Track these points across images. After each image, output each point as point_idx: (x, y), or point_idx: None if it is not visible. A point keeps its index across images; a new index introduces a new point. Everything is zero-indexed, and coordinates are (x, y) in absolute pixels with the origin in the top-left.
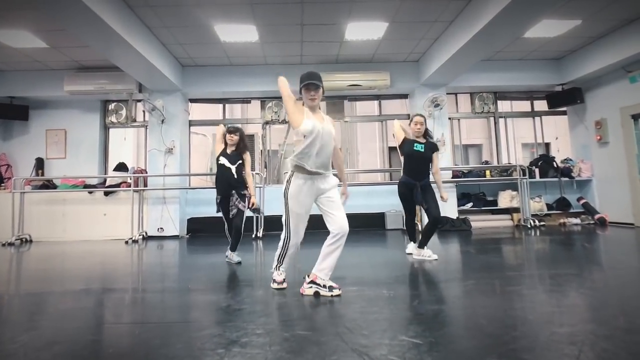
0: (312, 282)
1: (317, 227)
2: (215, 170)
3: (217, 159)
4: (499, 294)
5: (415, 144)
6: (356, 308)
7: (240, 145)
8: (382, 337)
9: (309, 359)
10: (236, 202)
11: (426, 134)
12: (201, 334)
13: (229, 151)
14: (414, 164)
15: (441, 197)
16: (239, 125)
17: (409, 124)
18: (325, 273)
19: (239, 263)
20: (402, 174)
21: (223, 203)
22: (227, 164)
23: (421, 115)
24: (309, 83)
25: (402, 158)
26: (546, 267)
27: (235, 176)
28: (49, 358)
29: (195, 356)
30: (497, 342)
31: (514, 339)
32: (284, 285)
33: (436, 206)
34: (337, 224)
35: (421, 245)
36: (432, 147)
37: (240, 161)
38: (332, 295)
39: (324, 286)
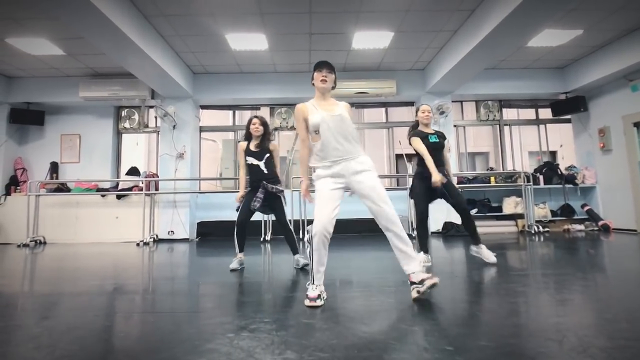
0: (411, 282)
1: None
2: (225, 175)
3: (245, 160)
4: (496, 291)
5: (430, 136)
6: (359, 302)
7: (265, 137)
8: (382, 325)
9: (312, 342)
10: (266, 187)
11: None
12: (212, 322)
13: (253, 147)
14: (431, 155)
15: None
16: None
17: (416, 114)
18: (409, 267)
19: (305, 266)
20: (416, 167)
21: (249, 194)
22: (255, 161)
23: (426, 104)
24: (321, 62)
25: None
26: (546, 270)
27: (266, 171)
28: (71, 339)
29: (207, 339)
30: (489, 329)
31: (504, 326)
32: (318, 302)
33: (459, 195)
34: (382, 217)
35: (477, 242)
36: (442, 135)
37: (267, 155)
38: (425, 290)
39: (417, 282)
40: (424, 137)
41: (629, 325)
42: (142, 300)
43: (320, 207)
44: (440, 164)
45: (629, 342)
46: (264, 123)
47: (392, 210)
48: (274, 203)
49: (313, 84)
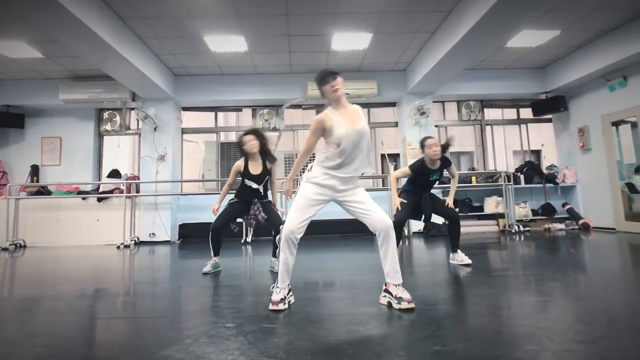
0: (386, 290)
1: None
2: (207, 177)
3: (243, 181)
4: (465, 293)
5: (432, 174)
6: (325, 305)
7: (266, 153)
8: (342, 329)
9: (268, 347)
10: (257, 212)
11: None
12: (175, 327)
13: (252, 169)
14: (422, 183)
15: (447, 202)
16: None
17: (422, 150)
18: (392, 276)
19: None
20: (405, 183)
21: (236, 205)
22: (255, 185)
23: (430, 137)
24: (327, 74)
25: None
26: (521, 271)
27: (262, 193)
28: (27, 348)
29: (165, 345)
30: (447, 333)
31: (464, 330)
32: (281, 306)
33: (450, 208)
34: (375, 222)
35: (455, 249)
36: (443, 167)
37: (267, 178)
38: (399, 309)
39: (395, 296)
40: (425, 175)
41: (585, 328)
42: (111, 305)
43: (294, 210)
44: (430, 188)
45: (580, 345)
46: (256, 134)
47: (383, 213)
48: (266, 209)
49: (324, 97)
